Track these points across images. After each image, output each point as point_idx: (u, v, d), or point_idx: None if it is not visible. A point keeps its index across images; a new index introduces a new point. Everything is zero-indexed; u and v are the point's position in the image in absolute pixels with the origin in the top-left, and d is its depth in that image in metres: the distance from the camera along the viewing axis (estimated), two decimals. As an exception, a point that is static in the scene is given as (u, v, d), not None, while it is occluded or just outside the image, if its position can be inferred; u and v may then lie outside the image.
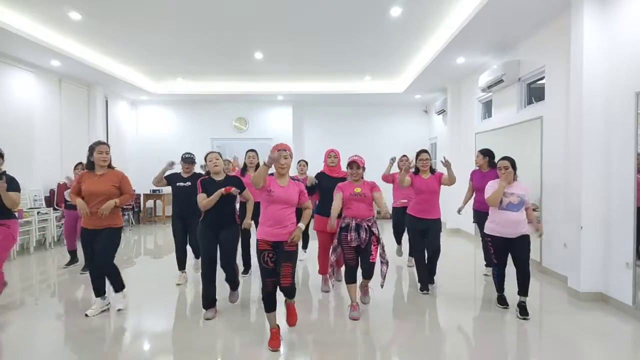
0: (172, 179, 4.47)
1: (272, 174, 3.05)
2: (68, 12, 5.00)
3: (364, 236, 3.41)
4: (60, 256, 5.90)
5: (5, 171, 3.59)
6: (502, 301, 3.72)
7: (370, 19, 5.23)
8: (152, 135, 9.98)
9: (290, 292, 2.91)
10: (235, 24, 5.43)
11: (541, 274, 4.85)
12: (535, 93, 5.46)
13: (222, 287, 3.75)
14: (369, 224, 3.48)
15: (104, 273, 3.57)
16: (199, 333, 3.18)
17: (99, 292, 3.59)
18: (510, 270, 3.60)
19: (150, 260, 6.00)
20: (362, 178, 3.64)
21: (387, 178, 5.44)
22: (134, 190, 3.93)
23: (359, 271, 3.52)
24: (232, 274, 3.63)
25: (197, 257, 4.93)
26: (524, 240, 3.52)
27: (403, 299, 4.07)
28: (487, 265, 4.81)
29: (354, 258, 3.48)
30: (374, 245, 3.45)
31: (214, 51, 6.60)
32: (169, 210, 9.45)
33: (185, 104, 10.00)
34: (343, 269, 3.73)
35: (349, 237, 3.43)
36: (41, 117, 6.83)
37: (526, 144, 5.34)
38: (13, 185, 3.48)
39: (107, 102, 8.66)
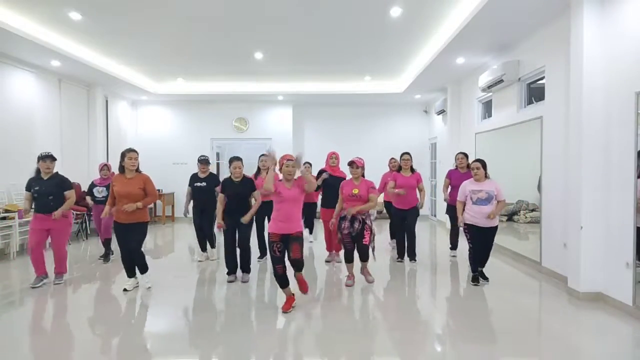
0: (191, 180, 5.35)
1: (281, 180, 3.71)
2: (68, 12, 5.00)
3: (356, 226, 4.21)
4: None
5: (57, 172, 4.38)
6: (475, 280, 4.41)
7: (370, 19, 5.23)
8: (152, 136, 9.98)
9: (298, 264, 3.57)
10: (235, 24, 5.43)
11: (541, 274, 4.85)
12: (535, 93, 5.46)
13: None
14: (363, 217, 4.23)
15: (133, 258, 4.18)
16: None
17: (131, 273, 4.24)
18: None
19: (150, 260, 5.97)
20: (362, 176, 4.34)
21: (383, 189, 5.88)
22: (159, 191, 4.68)
23: (356, 254, 4.35)
24: (246, 256, 4.53)
25: (212, 247, 5.65)
26: (493, 231, 4.29)
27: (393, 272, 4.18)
28: (452, 249, 5.75)
29: (350, 242, 4.30)
30: (366, 232, 4.22)
31: (214, 51, 6.60)
32: (168, 210, 9.52)
33: (185, 104, 10.00)
34: (341, 253, 4.69)
35: (343, 225, 4.24)
36: (41, 117, 6.83)
37: (526, 144, 5.34)
38: (66, 184, 4.36)
39: (107, 102, 8.66)
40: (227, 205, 4.34)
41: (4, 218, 5.62)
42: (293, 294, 3.66)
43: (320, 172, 5.27)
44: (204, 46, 6.34)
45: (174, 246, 7.01)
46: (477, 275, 4.41)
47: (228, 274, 4.51)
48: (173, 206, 9.59)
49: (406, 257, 5.32)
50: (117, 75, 7.52)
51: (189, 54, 6.74)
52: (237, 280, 4.48)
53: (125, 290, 4.15)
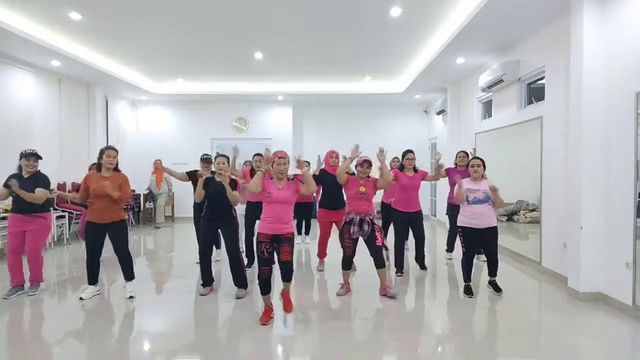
0: (193, 178, 4.94)
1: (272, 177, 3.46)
2: (68, 12, 5.00)
3: (366, 229, 3.86)
4: (60, 256, 5.91)
5: (39, 170, 4.10)
6: (468, 291, 4.05)
7: (370, 19, 5.23)
8: (152, 136, 9.97)
9: (288, 268, 3.32)
10: (235, 24, 5.43)
11: (541, 274, 4.85)
12: (535, 93, 5.46)
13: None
14: (371, 217, 3.92)
15: (121, 260, 3.96)
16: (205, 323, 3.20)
17: (94, 280, 3.98)
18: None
19: (149, 260, 5.99)
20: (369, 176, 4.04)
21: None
22: (133, 191, 4.24)
23: (370, 259, 3.95)
24: (237, 264, 3.97)
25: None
26: (492, 231, 3.99)
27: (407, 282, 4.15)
28: (448, 251, 5.65)
29: (351, 248, 3.95)
30: (377, 232, 3.90)
31: (214, 51, 6.59)
32: (168, 210, 9.50)
33: (185, 104, 10.00)
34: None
35: (351, 230, 3.87)
36: (41, 117, 6.82)
37: (526, 144, 5.34)
38: (41, 181, 4.01)
39: (107, 102, 8.66)
40: (207, 208, 4.00)
41: (3, 218, 5.62)
42: (271, 304, 3.42)
43: (321, 172, 4.99)
44: (203, 46, 6.33)
45: (173, 246, 7.01)
46: (470, 286, 4.07)
47: (203, 285, 4.05)
48: (173, 206, 9.58)
49: (414, 265, 4.93)
50: (117, 75, 7.52)
51: (188, 54, 6.74)
52: (210, 294, 4.04)
53: (81, 299, 3.84)
